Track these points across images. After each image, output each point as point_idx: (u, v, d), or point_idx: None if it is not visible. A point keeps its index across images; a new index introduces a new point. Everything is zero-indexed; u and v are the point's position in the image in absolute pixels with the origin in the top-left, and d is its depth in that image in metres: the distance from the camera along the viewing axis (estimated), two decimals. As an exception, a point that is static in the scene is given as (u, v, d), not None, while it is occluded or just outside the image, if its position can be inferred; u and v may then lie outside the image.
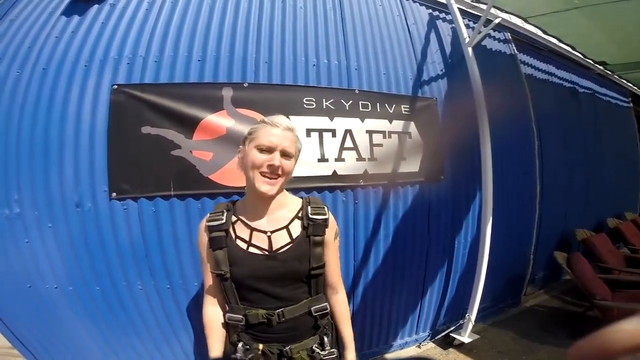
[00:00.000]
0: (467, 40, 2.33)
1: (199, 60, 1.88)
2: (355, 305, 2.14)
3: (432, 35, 2.51)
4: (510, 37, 3.05)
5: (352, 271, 2.07)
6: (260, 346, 1.06)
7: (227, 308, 1.08)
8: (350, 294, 2.11)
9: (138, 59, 1.82)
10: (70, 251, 1.75)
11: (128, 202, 1.73)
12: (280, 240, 1.02)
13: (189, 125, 1.75)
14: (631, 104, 4.97)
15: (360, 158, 2.00)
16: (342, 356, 1.15)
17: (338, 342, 1.18)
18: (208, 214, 1.07)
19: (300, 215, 1.06)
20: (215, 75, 1.88)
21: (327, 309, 1.11)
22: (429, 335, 2.51)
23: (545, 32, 3.17)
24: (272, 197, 1.02)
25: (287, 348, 1.07)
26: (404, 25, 2.43)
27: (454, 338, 2.44)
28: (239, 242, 1.02)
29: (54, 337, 1.84)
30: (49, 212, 1.73)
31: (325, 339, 1.13)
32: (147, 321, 1.84)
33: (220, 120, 1.77)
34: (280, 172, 0.97)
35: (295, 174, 1.83)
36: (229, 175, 1.78)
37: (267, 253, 1.01)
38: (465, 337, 2.40)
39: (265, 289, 1.03)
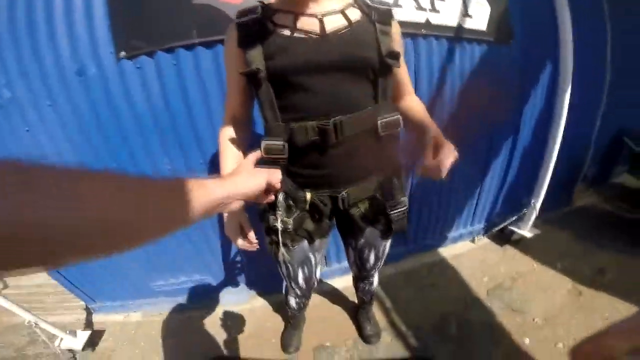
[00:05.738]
0: None
1: None
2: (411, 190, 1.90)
3: None
4: None
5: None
6: (308, 195, 0.83)
7: (264, 132, 0.82)
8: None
9: None
10: (77, 129, 1.46)
11: (142, 60, 1.37)
12: (336, 22, 0.78)
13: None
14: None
15: (419, 7, 1.61)
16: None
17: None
18: (235, 18, 0.82)
19: (354, 5, 0.83)
20: None
21: (399, 123, 0.83)
22: (484, 228, 2.32)
23: None
24: None
25: (343, 192, 0.84)
26: None
27: (511, 234, 2.23)
28: (279, 29, 0.78)
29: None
30: (45, 89, 1.40)
31: (395, 180, 0.88)
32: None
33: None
34: None
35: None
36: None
37: (319, 36, 0.77)
38: (526, 231, 2.16)
39: (316, 85, 0.76)
